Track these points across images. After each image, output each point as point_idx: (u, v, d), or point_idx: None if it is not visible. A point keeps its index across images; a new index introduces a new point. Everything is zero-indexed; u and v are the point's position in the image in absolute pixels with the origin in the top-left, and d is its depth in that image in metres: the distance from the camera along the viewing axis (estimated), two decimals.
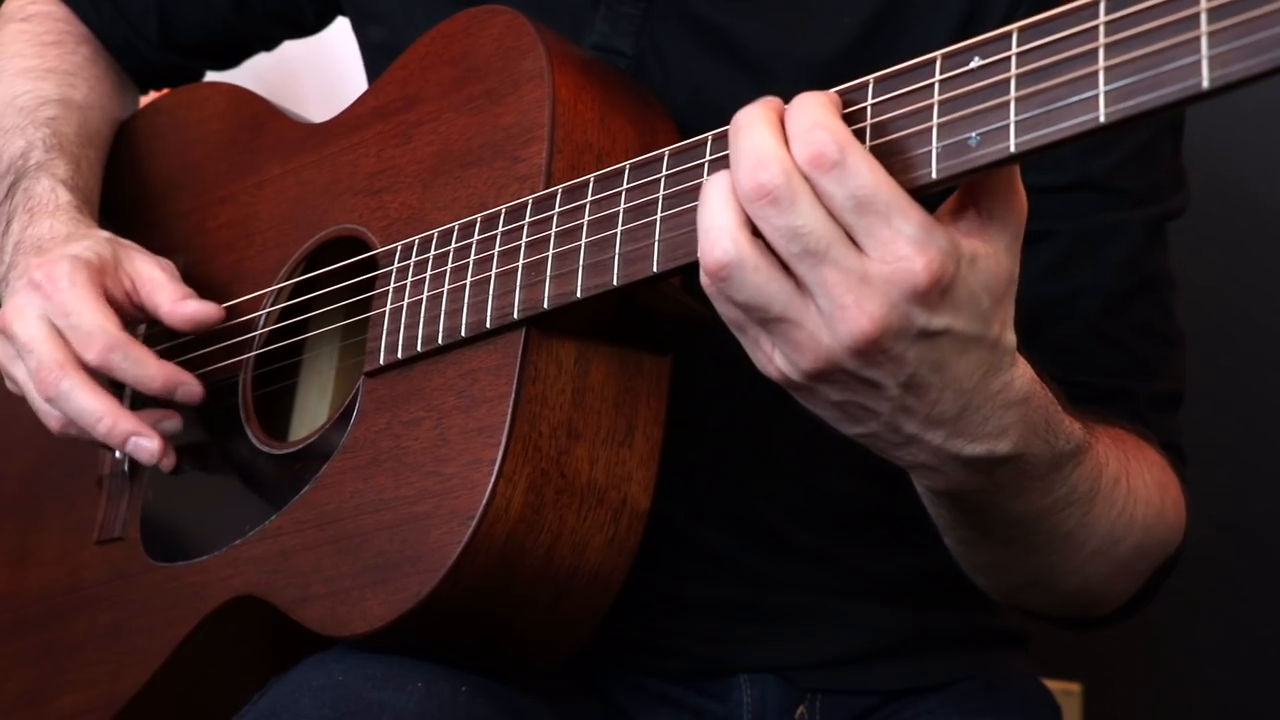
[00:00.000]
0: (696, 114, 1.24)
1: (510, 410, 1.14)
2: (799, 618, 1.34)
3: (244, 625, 1.29)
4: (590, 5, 1.33)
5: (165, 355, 1.37)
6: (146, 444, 1.31)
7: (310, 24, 1.63)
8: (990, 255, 0.97)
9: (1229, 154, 1.97)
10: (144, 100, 1.70)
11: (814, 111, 0.96)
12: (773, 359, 1.01)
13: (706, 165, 1.07)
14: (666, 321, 1.19)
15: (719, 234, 0.97)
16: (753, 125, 0.98)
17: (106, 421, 1.30)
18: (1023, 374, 1.04)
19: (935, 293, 0.95)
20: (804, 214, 0.95)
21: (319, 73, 2.29)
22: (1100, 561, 1.21)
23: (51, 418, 1.34)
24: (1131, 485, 1.20)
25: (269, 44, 1.68)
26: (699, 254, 0.99)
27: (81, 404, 1.30)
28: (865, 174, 0.94)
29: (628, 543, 1.18)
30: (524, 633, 1.19)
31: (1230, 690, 2.05)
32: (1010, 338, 1.02)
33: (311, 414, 1.40)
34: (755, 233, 0.97)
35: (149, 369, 1.32)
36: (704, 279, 0.99)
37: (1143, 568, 1.27)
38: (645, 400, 1.20)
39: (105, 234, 1.39)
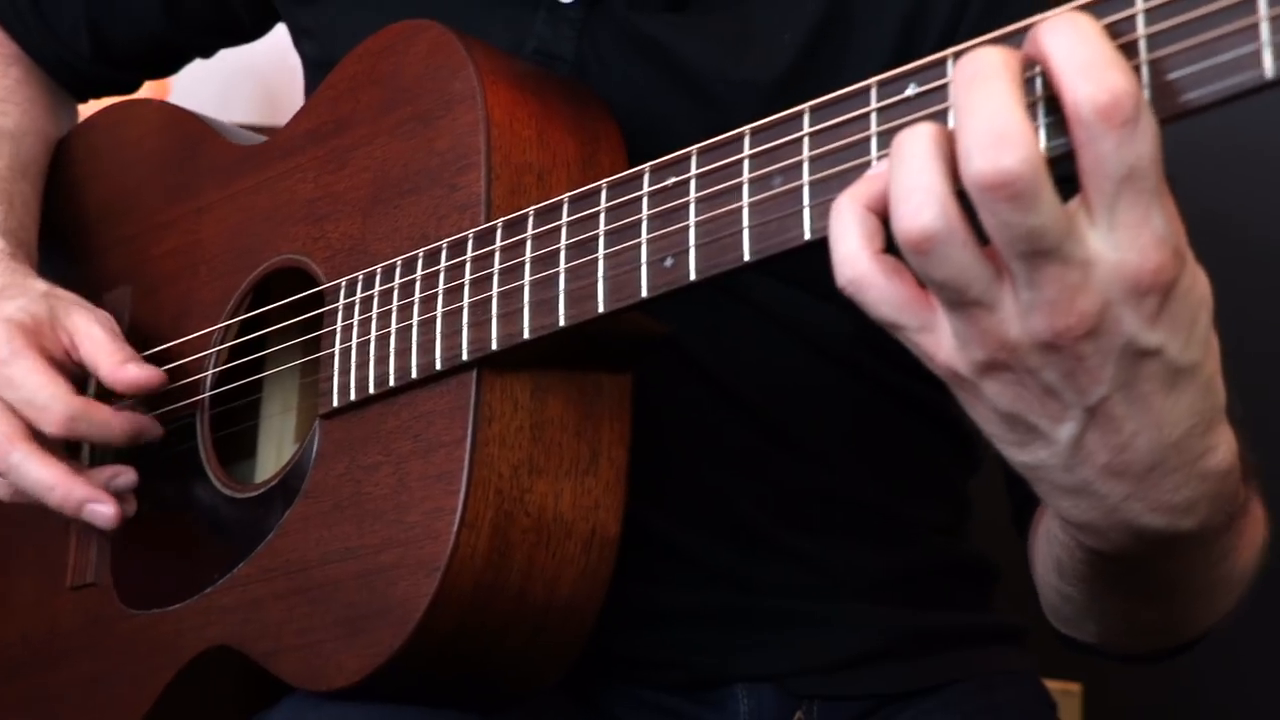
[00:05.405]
0: (639, 126, 1.19)
1: (468, 455, 1.11)
2: (792, 623, 1.31)
3: (223, 673, 1.27)
4: (529, 8, 1.28)
5: (120, 398, 1.34)
6: (102, 509, 1.28)
7: (247, 31, 1.58)
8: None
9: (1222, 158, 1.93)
10: (82, 108, 1.66)
11: (1097, 47, 0.76)
12: (941, 347, 0.84)
13: (645, 198, 1.03)
14: (623, 341, 1.16)
15: (926, 196, 0.79)
16: (991, 80, 0.77)
17: (59, 491, 1.27)
18: (1228, 442, 0.87)
19: (1156, 294, 0.79)
20: (1045, 212, 0.77)
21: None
22: (1226, 600, 1.08)
23: (1, 488, 1.31)
24: (1256, 517, 1.06)
25: (206, 52, 1.63)
26: (894, 218, 0.80)
27: (32, 475, 1.27)
28: (1151, 140, 0.76)
29: (600, 571, 1.16)
30: (504, 669, 1.17)
31: (1230, 690, 2.04)
32: (1221, 388, 0.85)
33: (275, 452, 1.37)
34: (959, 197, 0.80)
35: (112, 428, 1.30)
36: (901, 248, 0.81)
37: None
38: (607, 423, 1.16)
39: (42, 286, 1.35)
